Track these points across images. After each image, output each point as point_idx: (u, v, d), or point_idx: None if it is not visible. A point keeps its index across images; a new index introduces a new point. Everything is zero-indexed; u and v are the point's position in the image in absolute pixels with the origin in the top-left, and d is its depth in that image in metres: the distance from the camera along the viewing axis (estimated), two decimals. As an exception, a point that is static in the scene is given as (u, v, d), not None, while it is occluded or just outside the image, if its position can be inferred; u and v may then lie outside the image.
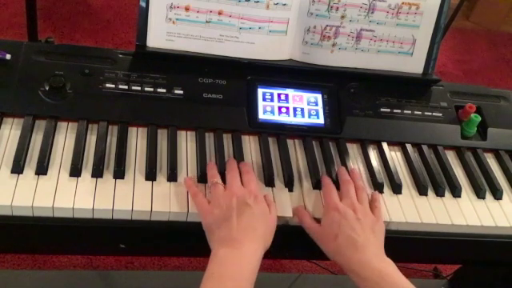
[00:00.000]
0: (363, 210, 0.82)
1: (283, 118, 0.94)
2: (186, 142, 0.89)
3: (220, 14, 0.94)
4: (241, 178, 0.82)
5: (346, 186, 0.86)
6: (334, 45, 0.99)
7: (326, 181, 0.87)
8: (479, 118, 0.99)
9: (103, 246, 0.86)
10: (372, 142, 0.97)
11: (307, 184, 0.88)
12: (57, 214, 0.76)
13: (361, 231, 0.78)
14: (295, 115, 0.95)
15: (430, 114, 1.00)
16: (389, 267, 0.77)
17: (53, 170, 0.80)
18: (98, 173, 0.80)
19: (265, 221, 0.77)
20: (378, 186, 0.90)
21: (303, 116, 0.95)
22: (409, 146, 0.97)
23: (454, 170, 0.96)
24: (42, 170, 0.79)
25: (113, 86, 0.89)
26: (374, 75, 1.02)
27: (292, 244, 0.87)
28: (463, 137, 1.01)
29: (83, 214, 0.77)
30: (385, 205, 0.87)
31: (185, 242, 0.84)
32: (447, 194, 0.92)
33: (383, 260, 0.78)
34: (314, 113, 0.96)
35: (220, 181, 0.80)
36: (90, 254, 1.52)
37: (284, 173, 0.88)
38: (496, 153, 1.02)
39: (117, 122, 0.88)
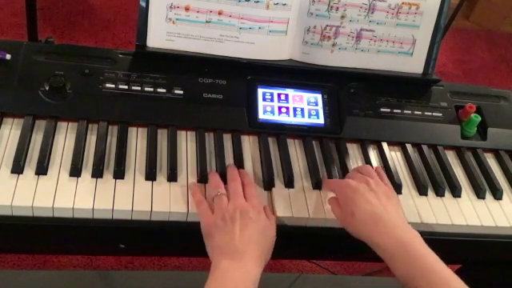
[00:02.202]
0: (375, 181, 0.81)
1: (283, 118, 0.94)
2: (186, 141, 0.89)
3: (220, 14, 0.94)
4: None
5: (352, 172, 0.86)
6: (334, 45, 0.99)
7: (327, 180, 0.87)
8: (479, 118, 0.99)
9: (103, 246, 0.86)
10: (372, 142, 0.97)
11: (307, 184, 0.88)
12: (57, 214, 0.76)
13: (377, 201, 0.77)
14: (295, 115, 0.95)
15: (429, 113, 1.01)
16: (414, 238, 0.74)
17: (53, 170, 0.80)
18: (97, 173, 0.80)
19: (266, 235, 0.77)
20: (378, 186, 0.90)
21: (303, 116, 0.95)
22: (409, 146, 0.97)
23: (454, 170, 0.96)
24: (41, 170, 0.79)
25: (113, 85, 0.89)
26: (374, 75, 1.02)
27: (292, 244, 0.87)
28: (463, 137, 1.01)
29: (83, 214, 0.77)
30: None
31: (185, 241, 0.84)
32: (447, 194, 0.92)
33: (407, 231, 0.75)
34: (314, 113, 0.96)
35: (224, 191, 0.80)
36: (90, 254, 1.52)
37: (284, 173, 0.88)
38: (496, 153, 1.02)
39: (117, 122, 0.88)
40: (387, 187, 0.82)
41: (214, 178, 0.83)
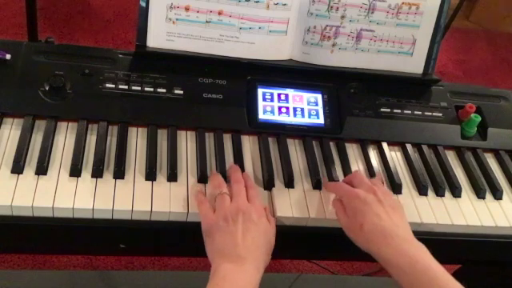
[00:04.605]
0: (382, 190, 0.81)
1: (283, 118, 0.94)
2: (186, 141, 0.89)
3: (220, 14, 0.94)
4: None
5: (357, 176, 0.85)
6: (334, 45, 0.99)
7: (330, 183, 0.87)
8: (479, 118, 0.99)
9: (103, 246, 0.86)
10: (372, 142, 0.97)
11: (307, 184, 0.88)
12: (57, 214, 0.76)
13: (385, 215, 0.77)
14: (295, 115, 0.95)
15: (430, 113, 1.01)
16: (421, 252, 0.74)
17: (53, 170, 0.80)
18: (97, 173, 0.80)
19: (267, 239, 0.77)
20: (378, 186, 0.90)
21: (303, 116, 0.95)
22: (409, 146, 0.97)
23: (454, 170, 0.96)
24: (41, 170, 0.79)
25: (113, 85, 0.89)
26: (374, 75, 1.02)
27: (292, 244, 0.87)
28: (463, 137, 1.01)
29: (83, 214, 0.77)
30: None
31: (185, 241, 0.84)
32: (447, 193, 0.92)
33: (414, 244, 0.75)
34: (314, 113, 0.96)
35: (227, 190, 0.80)
36: (90, 254, 1.52)
37: (284, 173, 0.88)
38: (496, 153, 1.02)
39: (117, 122, 0.88)
40: (393, 198, 0.82)
41: (217, 178, 0.83)
